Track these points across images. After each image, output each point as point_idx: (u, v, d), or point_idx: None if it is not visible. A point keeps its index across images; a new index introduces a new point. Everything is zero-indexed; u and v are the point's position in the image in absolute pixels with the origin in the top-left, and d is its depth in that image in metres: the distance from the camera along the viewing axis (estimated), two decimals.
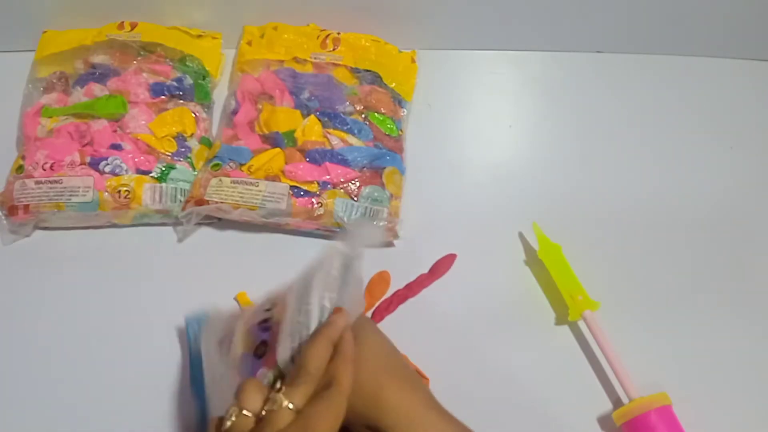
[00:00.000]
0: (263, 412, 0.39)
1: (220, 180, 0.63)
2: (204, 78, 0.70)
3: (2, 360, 0.58)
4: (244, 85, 0.69)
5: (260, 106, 0.68)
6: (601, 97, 0.75)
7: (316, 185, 0.63)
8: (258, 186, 0.62)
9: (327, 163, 0.64)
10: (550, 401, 0.58)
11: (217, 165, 0.64)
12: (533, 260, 0.64)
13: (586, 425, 0.57)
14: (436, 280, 0.63)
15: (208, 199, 0.62)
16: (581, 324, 0.61)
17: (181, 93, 0.68)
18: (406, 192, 0.66)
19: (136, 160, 0.63)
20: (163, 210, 0.63)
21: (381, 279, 0.62)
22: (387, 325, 0.60)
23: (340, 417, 0.40)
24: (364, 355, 0.45)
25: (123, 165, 0.63)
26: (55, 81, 0.69)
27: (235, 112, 0.68)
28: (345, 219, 0.62)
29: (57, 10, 0.72)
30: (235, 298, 0.61)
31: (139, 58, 0.69)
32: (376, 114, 0.68)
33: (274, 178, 0.63)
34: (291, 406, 0.39)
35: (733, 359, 0.60)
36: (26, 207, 0.62)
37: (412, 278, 0.63)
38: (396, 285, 0.63)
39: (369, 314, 0.61)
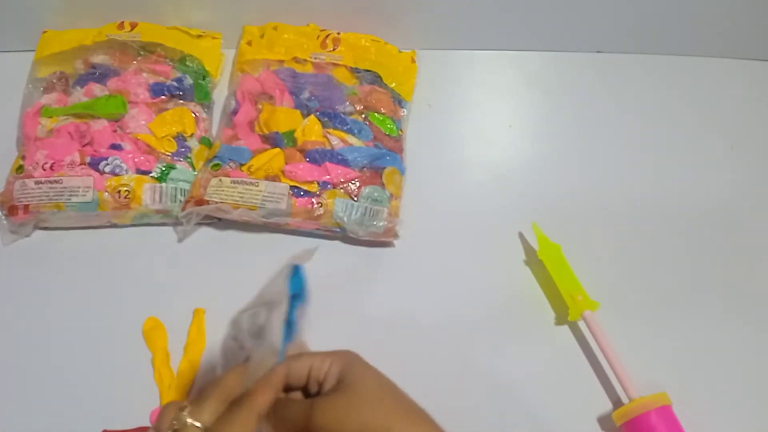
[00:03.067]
0: None
1: (220, 180, 0.63)
2: (204, 78, 0.70)
3: (2, 360, 0.58)
4: (244, 85, 0.69)
5: (260, 106, 0.68)
6: (601, 97, 0.75)
7: (316, 185, 0.63)
8: (258, 186, 0.62)
9: (327, 163, 0.64)
10: (549, 401, 0.58)
11: (217, 165, 0.64)
12: (533, 260, 0.64)
13: (586, 425, 0.57)
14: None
15: (208, 199, 0.62)
16: (581, 324, 0.61)
17: (181, 93, 0.68)
18: (406, 192, 0.66)
19: (136, 160, 0.63)
20: (163, 210, 0.63)
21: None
22: (387, 327, 0.60)
23: None
24: (363, 394, 0.41)
25: (123, 165, 0.63)
26: (55, 81, 0.69)
27: (235, 112, 0.68)
28: (345, 219, 0.62)
29: (57, 10, 0.72)
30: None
31: (139, 58, 0.69)
32: (376, 114, 0.68)
33: (274, 178, 0.63)
34: (198, 424, 0.37)
35: (733, 359, 0.60)
36: (26, 207, 0.62)
37: (411, 278, 0.63)
38: (396, 286, 0.63)
39: None
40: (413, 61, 0.74)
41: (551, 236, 0.63)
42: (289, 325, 0.42)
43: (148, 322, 0.60)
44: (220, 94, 0.72)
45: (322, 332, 0.59)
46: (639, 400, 0.55)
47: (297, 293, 0.43)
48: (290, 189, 0.62)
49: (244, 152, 0.65)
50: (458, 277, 0.63)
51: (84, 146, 0.64)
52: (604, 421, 0.57)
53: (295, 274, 0.43)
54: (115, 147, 0.64)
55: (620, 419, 0.55)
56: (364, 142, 0.66)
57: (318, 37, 0.72)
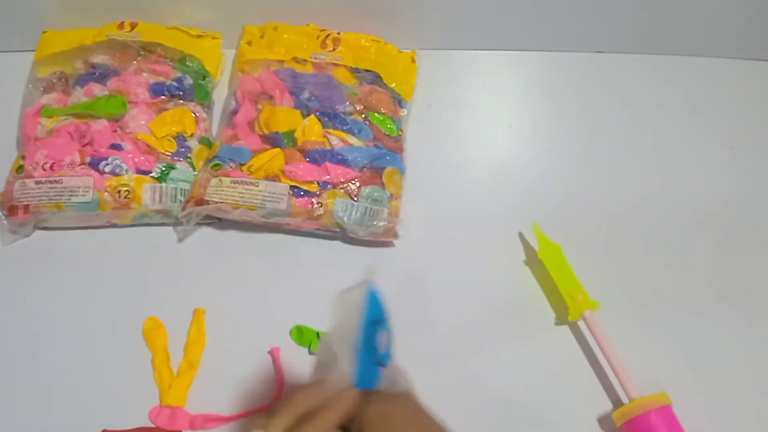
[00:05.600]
0: None
1: (220, 180, 0.63)
2: (204, 78, 0.70)
3: (2, 360, 0.58)
4: (244, 85, 0.69)
5: (260, 106, 0.68)
6: (601, 97, 0.75)
7: (316, 185, 0.63)
8: (258, 186, 0.62)
9: (327, 163, 0.64)
10: (550, 401, 0.58)
11: (217, 165, 0.64)
12: (533, 260, 0.64)
13: (586, 425, 0.57)
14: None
15: (208, 199, 0.62)
16: (581, 324, 0.61)
17: (181, 93, 0.68)
18: (406, 192, 0.66)
19: (136, 160, 0.63)
20: (163, 210, 0.63)
21: None
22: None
23: None
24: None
25: (123, 165, 0.63)
26: (55, 81, 0.69)
27: (235, 112, 0.68)
28: (345, 219, 0.62)
29: (57, 10, 0.72)
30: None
31: (139, 58, 0.69)
32: (376, 114, 0.68)
33: (274, 178, 0.63)
34: None
35: (733, 359, 0.60)
36: (26, 207, 0.62)
37: (411, 278, 0.63)
38: (396, 286, 0.63)
39: None
40: (413, 61, 0.74)
41: (551, 236, 0.63)
42: (370, 351, 0.44)
43: (148, 322, 0.60)
44: (220, 94, 0.72)
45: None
46: (639, 400, 0.55)
47: (376, 319, 0.44)
48: (290, 189, 0.62)
49: (244, 152, 0.65)
50: (458, 276, 0.63)
51: (84, 146, 0.64)
52: (604, 421, 0.57)
53: (371, 299, 0.44)
54: (115, 147, 0.64)
55: (620, 419, 0.55)
56: (364, 142, 0.66)
57: (318, 37, 0.72)
